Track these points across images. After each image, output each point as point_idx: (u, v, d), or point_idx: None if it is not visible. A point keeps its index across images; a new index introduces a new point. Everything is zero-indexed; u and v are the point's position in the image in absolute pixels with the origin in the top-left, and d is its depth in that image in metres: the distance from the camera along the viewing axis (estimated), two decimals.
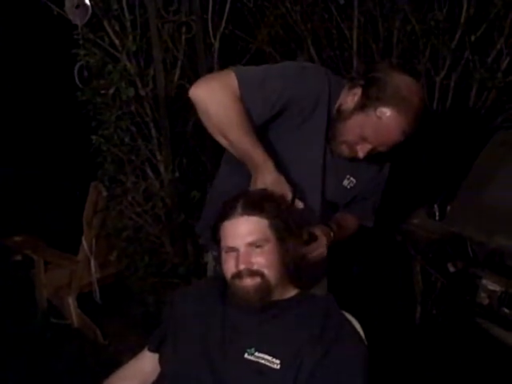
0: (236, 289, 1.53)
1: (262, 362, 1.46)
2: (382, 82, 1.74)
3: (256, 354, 1.48)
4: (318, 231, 1.81)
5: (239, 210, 1.52)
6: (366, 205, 2.11)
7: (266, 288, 1.52)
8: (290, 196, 1.70)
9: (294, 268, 1.60)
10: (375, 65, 1.86)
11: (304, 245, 1.71)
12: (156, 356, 1.69)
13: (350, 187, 2.01)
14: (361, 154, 1.81)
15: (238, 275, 1.52)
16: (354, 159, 1.87)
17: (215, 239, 1.61)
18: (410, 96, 1.73)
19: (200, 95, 1.70)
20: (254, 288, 1.51)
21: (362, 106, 1.77)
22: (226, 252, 1.55)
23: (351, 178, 1.99)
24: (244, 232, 1.52)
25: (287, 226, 1.56)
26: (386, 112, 1.73)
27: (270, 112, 1.76)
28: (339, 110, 1.83)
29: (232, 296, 1.56)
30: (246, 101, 1.71)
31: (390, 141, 1.77)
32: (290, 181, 1.78)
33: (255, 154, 1.68)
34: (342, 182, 1.99)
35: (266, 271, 1.52)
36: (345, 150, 1.85)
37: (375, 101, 1.74)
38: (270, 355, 1.47)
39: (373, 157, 1.86)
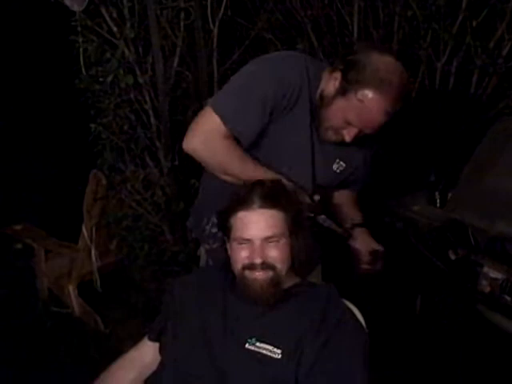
0: (247, 280, 1.53)
1: (263, 351, 1.46)
2: (361, 65, 1.73)
3: (257, 343, 1.48)
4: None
5: (257, 202, 1.51)
6: (356, 185, 2.17)
7: (277, 281, 1.52)
8: (307, 199, 1.78)
9: (301, 261, 1.60)
10: (354, 47, 1.85)
11: None
12: (156, 345, 1.69)
13: (340, 171, 2.01)
14: (347, 138, 1.81)
15: (250, 267, 1.51)
16: (342, 143, 1.87)
17: (223, 227, 1.61)
18: (390, 76, 1.71)
19: (192, 148, 1.78)
20: (267, 281, 1.51)
21: (342, 91, 1.76)
22: (239, 243, 1.54)
23: (340, 162, 1.99)
24: (262, 225, 1.51)
25: (299, 219, 1.55)
26: (367, 94, 1.71)
27: (262, 125, 1.80)
28: (321, 96, 1.83)
29: (243, 288, 1.55)
30: (235, 131, 1.76)
31: (374, 123, 1.76)
32: (285, 172, 1.83)
33: (261, 176, 1.72)
34: (332, 166, 1.99)
35: (278, 265, 1.52)
36: (332, 136, 1.85)
37: (355, 84, 1.73)
38: (271, 345, 1.47)
39: (360, 139, 1.86)
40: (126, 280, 3.43)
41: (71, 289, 3.40)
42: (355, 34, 3.12)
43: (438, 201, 2.66)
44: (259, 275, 1.51)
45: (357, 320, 1.62)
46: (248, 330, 1.51)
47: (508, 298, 2.21)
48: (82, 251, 3.38)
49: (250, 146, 1.82)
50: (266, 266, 1.51)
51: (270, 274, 1.51)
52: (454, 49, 2.99)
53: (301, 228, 1.57)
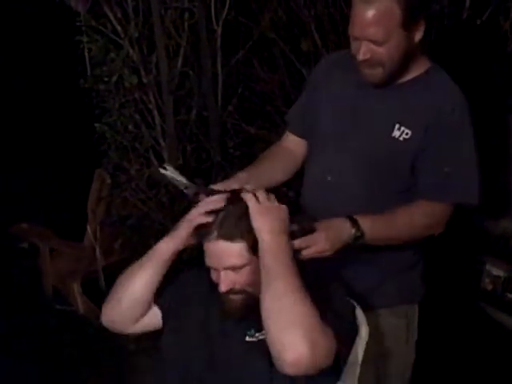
0: (222, 298, 1.49)
1: (263, 337, 1.45)
2: None
3: (257, 334, 1.48)
4: (320, 225, 1.56)
5: (215, 233, 1.44)
6: (441, 171, 1.68)
7: (251, 301, 1.46)
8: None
9: None
10: None
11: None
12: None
13: (404, 139, 1.69)
14: (360, 56, 1.65)
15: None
16: (397, 105, 1.72)
17: None
18: None
19: None
20: (239, 303, 1.48)
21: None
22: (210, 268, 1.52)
23: (402, 128, 1.69)
24: (220, 257, 1.46)
25: None
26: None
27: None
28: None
29: (219, 302, 1.52)
30: None
31: (360, 19, 1.62)
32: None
33: None
34: (392, 132, 1.70)
35: (248, 289, 1.47)
36: (365, 70, 1.69)
37: None
38: None
39: (417, 98, 1.71)
40: None
41: (76, 287, 3.41)
42: None
43: None
44: (231, 296, 1.48)
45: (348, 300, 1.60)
46: (245, 323, 1.50)
47: (510, 296, 2.22)
48: (87, 250, 3.39)
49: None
50: (234, 291, 1.47)
51: (243, 296, 1.48)
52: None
53: None
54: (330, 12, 3.17)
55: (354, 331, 1.53)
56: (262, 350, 1.43)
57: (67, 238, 3.64)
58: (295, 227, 1.50)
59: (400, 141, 1.70)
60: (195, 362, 1.52)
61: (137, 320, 1.65)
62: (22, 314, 3.37)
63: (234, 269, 1.46)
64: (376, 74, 1.68)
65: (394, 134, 1.70)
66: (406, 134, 1.69)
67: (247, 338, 1.49)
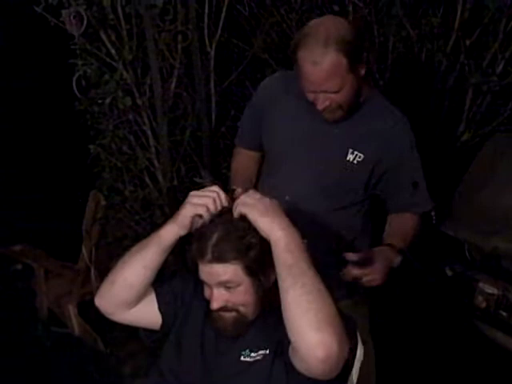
0: (213, 315, 1.50)
1: (259, 357, 1.46)
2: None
3: (252, 354, 1.48)
4: (375, 254, 1.81)
5: (209, 254, 1.43)
6: (404, 190, 1.97)
7: (242, 321, 1.48)
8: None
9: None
10: None
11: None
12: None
13: (358, 162, 1.88)
14: (319, 106, 1.78)
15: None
16: (350, 131, 1.88)
17: None
18: (311, 28, 1.74)
19: None
20: (231, 320, 1.48)
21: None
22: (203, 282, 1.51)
23: (356, 152, 1.88)
24: (214, 274, 1.45)
25: (261, 261, 1.44)
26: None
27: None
28: None
29: (210, 319, 1.53)
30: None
31: (313, 78, 1.73)
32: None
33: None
34: (346, 156, 1.89)
35: (241, 308, 1.47)
36: (326, 115, 1.83)
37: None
38: (263, 349, 1.47)
39: (365, 123, 1.88)
40: None
41: (71, 308, 3.39)
42: None
43: (433, 218, 2.68)
44: (223, 314, 1.48)
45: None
46: (240, 343, 1.50)
47: (504, 314, 2.23)
48: (82, 271, 3.38)
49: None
50: (226, 309, 1.47)
51: (234, 314, 1.48)
52: (448, 68, 3.03)
53: (263, 268, 1.45)
54: None
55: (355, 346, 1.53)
56: (258, 371, 1.44)
57: (62, 260, 3.63)
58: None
59: (354, 164, 1.89)
60: (192, 378, 1.52)
61: (129, 305, 1.63)
62: (17, 336, 3.36)
63: (226, 287, 1.46)
64: (336, 115, 1.83)
65: (348, 158, 1.89)
66: (359, 157, 1.88)
67: (242, 358, 1.49)
